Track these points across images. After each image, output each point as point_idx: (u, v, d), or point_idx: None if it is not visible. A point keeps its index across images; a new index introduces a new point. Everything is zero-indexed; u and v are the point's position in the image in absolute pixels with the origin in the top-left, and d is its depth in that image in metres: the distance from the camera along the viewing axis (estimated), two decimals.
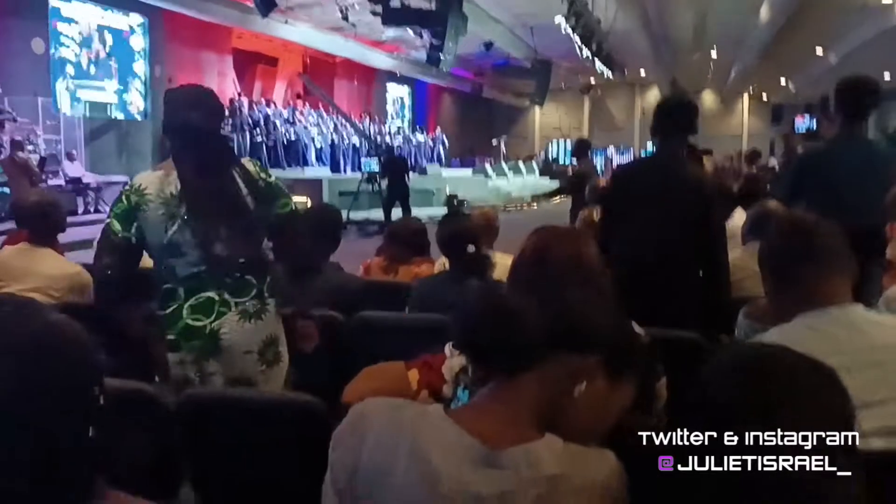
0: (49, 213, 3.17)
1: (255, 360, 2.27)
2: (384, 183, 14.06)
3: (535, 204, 21.05)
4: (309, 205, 15.20)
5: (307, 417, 1.79)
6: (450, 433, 1.10)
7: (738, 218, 4.03)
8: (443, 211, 17.26)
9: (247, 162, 2.32)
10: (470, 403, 1.26)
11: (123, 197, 2.26)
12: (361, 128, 21.74)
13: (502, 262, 3.61)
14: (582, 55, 18.63)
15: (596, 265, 1.69)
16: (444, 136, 25.91)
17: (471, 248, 2.87)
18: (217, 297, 2.22)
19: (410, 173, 15.08)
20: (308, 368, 2.42)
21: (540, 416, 1.14)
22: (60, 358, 0.92)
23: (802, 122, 23.32)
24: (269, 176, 2.35)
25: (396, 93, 28.34)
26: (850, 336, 1.53)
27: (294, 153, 18.85)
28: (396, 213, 13.27)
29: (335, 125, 20.86)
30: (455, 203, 19.14)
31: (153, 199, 2.21)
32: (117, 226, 2.22)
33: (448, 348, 1.56)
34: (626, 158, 26.80)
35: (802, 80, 25.69)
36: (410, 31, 17.11)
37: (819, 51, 21.36)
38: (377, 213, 14.27)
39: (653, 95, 32.46)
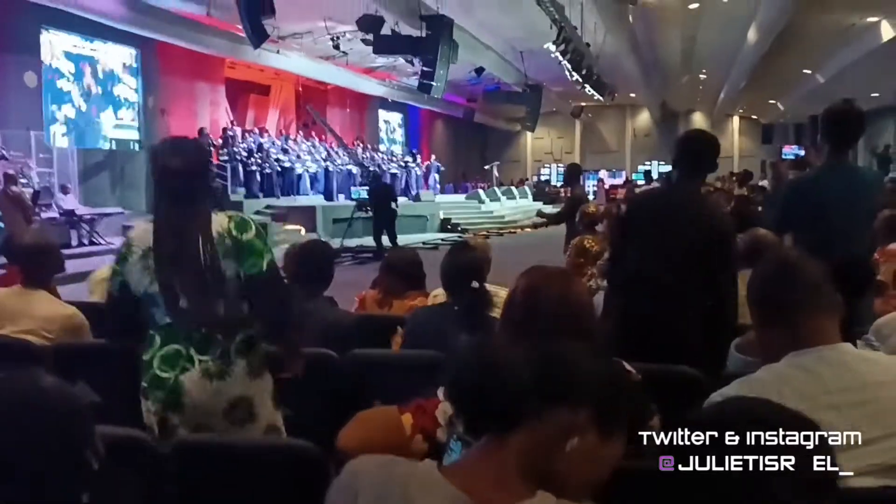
0: (44, 256, 3.16)
1: (220, 420, 2.22)
2: (370, 210, 14.08)
3: (528, 228, 21.11)
4: (303, 233, 15.36)
5: (303, 463, 1.79)
6: (441, 492, 1.10)
7: None
8: (436, 236, 17.39)
9: (222, 217, 2.26)
10: (461, 459, 1.26)
11: (119, 253, 2.31)
12: (356, 155, 21.82)
13: (495, 294, 3.61)
14: (572, 79, 18.81)
15: (586, 306, 1.71)
16: (438, 163, 26.02)
17: (475, 284, 2.83)
18: (183, 351, 2.21)
19: (400, 199, 15.10)
20: (302, 408, 2.41)
21: (532, 472, 1.14)
22: (52, 425, 0.93)
23: (790, 150, 23.65)
24: (246, 232, 2.25)
25: (389, 119, 28.48)
26: (840, 375, 1.54)
27: (288, 181, 18.89)
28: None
29: (328, 153, 20.93)
30: (449, 227, 19.29)
31: (136, 251, 2.25)
32: (115, 285, 2.30)
33: (441, 392, 1.57)
34: (619, 181, 26.89)
35: (792, 99, 25.93)
36: (402, 59, 17.27)
37: (807, 71, 21.60)
38: (371, 240, 14.29)
39: (644, 118, 32.72)
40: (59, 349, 2.88)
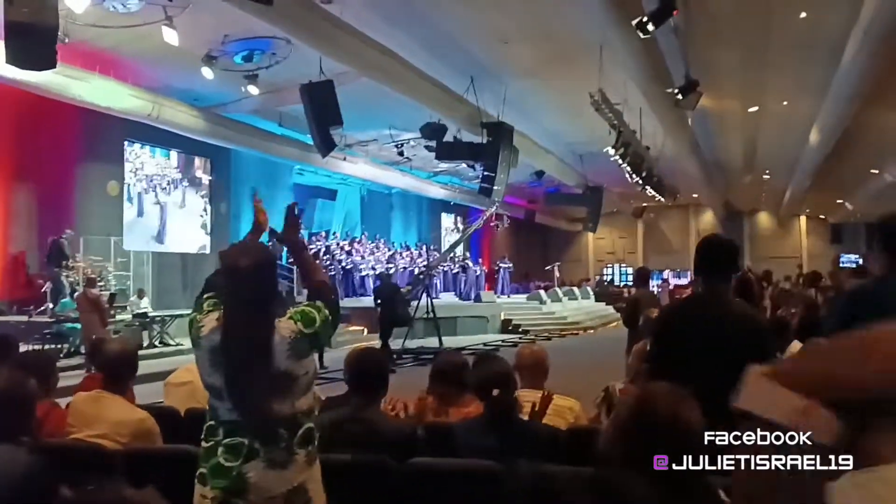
0: (127, 365, 3.34)
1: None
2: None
3: (591, 329, 20.88)
4: (365, 333, 15.51)
5: None
6: None
7: (794, 351, 3.95)
8: (497, 337, 17.33)
9: (287, 322, 2.35)
10: None
11: (191, 336, 2.43)
12: (418, 258, 22.19)
13: (555, 403, 3.59)
14: (632, 181, 18.93)
15: (697, 428, 1.70)
16: (510, 263, 26.24)
17: (495, 392, 2.92)
18: (248, 443, 2.28)
19: (460, 301, 15.08)
20: None
21: None
22: None
23: (851, 258, 23.14)
24: (310, 326, 2.36)
25: (450, 222, 28.98)
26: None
27: (351, 282, 19.29)
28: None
29: (391, 255, 21.37)
30: (510, 329, 19.21)
31: (205, 344, 2.35)
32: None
33: None
34: (684, 281, 26.55)
35: (860, 199, 25.48)
36: (464, 164, 17.75)
37: (875, 171, 21.29)
38: (431, 342, 14.33)
39: (707, 217, 32.50)
40: (131, 454, 2.98)
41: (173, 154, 16.84)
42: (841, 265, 22.12)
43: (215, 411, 2.35)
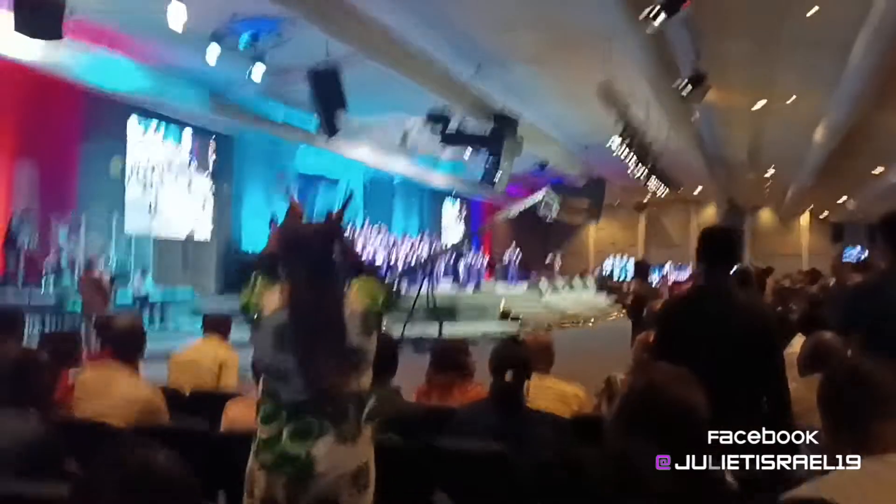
0: (138, 336, 3.35)
1: (348, 484, 2.25)
2: None
3: (591, 321, 20.89)
4: None
5: None
6: None
7: (797, 345, 3.94)
8: (496, 326, 17.32)
9: (362, 296, 2.36)
10: None
11: (248, 315, 2.40)
12: (419, 246, 22.20)
13: (557, 389, 3.60)
14: (636, 173, 18.89)
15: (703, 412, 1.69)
16: (518, 252, 26.31)
17: (508, 376, 2.94)
18: (317, 423, 2.25)
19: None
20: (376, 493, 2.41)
21: None
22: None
23: (853, 250, 23.05)
24: (377, 301, 2.37)
25: (452, 211, 28.95)
26: None
27: None
28: None
29: (393, 243, 21.39)
30: (509, 318, 19.19)
31: (267, 321, 2.32)
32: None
33: None
34: (684, 276, 26.52)
35: (863, 199, 25.44)
36: (467, 152, 17.70)
37: (878, 170, 21.24)
38: (431, 330, 14.35)
39: (709, 213, 32.46)
40: (137, 431, 2.97)
41: (177, 134, 16.75)
42: (844, 259, 22.01)
43: (275, 394, 2.30)
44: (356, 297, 2.35)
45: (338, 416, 2.26)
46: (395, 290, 2.47)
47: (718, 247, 3.14)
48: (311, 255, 2.27)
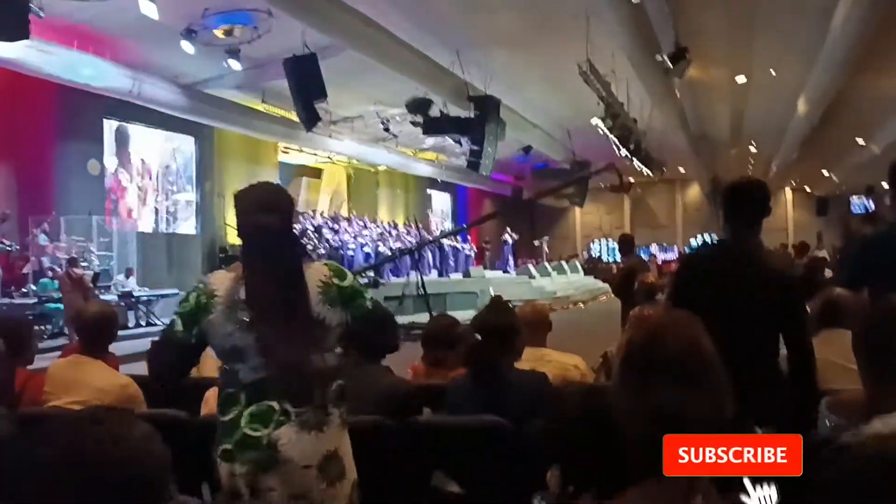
0: (105, 324, 3.20)
1: (315, 476, 2.10)
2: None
3: (581, 303, 20.89)
4: None
5: None
6: None
7: None
8: None
9: (320, 266, 2.24)
10: None
11: (191, 297, 2.22)
12: (408, 235, 22.12)
13: (557, 360, 3.51)
14: (620, 155, 18.82)
15: (713, 357, 1.50)
16: (513, 236, 26.30)
17: (477, 337, 2.90)
18: (277, 407, 2.10)
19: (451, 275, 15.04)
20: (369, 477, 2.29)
21: None
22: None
23: (859, 202, 22.77)
24: (345, 278, 2.24)
25: (438, 199, 28.86)
26: None
27: (338, 261, 19.12)
28: None
29: (381, 233, 21.30)
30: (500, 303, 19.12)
31: (222, 302, 2.16)
32: (179, 325, 2.20)
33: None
34: (671, 256, 26.57)
35: (846, 170, 25.51)
36: (450, 139, 17.58)
37: (861, 141, 21.27)
38: (421, 317, 14.24)
39: (693, 192, 32.52)
40: (108, 410, 2.83)
41: (156, 132, 16.53)
42: (852, 212, 21.78)
43: (234, 376, 2.15)
44: (319, 265, 2.25)
45: (300, 398, 2.11)
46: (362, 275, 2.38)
47: (742, 201, 2.94)
48: (265, 211, 2.18)
